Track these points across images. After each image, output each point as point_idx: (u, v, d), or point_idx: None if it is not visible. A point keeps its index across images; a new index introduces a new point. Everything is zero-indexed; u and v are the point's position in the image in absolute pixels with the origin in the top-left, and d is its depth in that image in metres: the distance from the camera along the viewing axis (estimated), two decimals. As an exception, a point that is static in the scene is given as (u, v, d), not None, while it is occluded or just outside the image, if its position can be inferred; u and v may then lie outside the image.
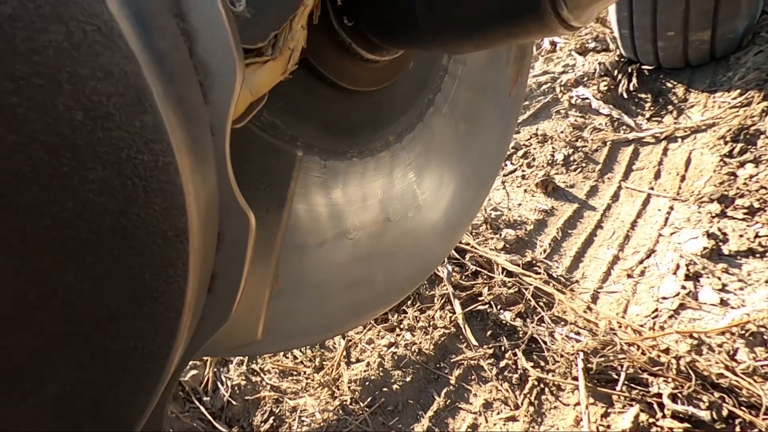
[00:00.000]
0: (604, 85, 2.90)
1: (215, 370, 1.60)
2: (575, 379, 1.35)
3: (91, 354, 0.26)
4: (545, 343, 1.48)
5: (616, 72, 3.00)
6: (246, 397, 1.54)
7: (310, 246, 0.74)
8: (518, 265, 1.74)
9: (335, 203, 0.76)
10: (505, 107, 1.11)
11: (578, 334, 1.49)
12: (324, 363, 1.62)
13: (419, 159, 0.90)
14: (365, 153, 0.79)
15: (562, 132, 2.71)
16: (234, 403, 1.51)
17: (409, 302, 1.79)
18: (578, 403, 1.30)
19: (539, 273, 1.73)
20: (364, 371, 1.52)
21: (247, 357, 1.63)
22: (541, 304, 1.62)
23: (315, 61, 0.64)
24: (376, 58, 0.68)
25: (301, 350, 1.68)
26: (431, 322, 1.66)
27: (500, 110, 1.09)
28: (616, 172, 2.40)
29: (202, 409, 1.50)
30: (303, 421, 1.44)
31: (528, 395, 1.37)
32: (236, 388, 1.55)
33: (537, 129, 2.82)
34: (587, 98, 2.81)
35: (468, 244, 1.90)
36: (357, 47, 0.65)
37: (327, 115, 0.71)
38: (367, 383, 1.49)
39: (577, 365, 1.36)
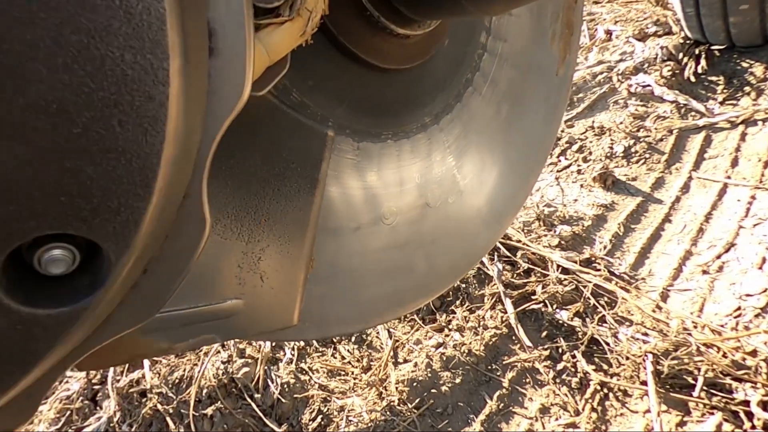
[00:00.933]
0: (668, 71, 2.69)
1: (266, 368, 1.63)
2: (644, 383, 1.23)
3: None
4: (608, 344, 1.36)
5: (681, 55, 2.77)
6: (295, 396, 1.55)
7: (344, 230, 0.72)
8: (575, 262, 1.63)
9: (370, 186, 0.74)
10: (552, 87, 1.04)
11: (646, 334, 1.35)
12: (371, 363, 1.60)
13: (459, 142, 0.86)
14: (400, 135, 0.77)
15: (621, 123, 2.53)
16: (283, 400, 1.52)
17: (458, 302, 1.73)
18: (648, 410, 1.17)
19: (599, 270, 1.61)
20: (412, 372, 1.48)
21: (296, 355, 1.65)
22: (602, 302, 1.50)
23: (344, 38, 0.63)
24: (408, 32, 0.65)
25: (348, 350, 1.67)
26: (481, 323, 1.59)
27: (546, 90, 1.02)
28: (684, 161, 2.20)
29: (254, 406, 1.53)
30: (351, 420, 1.42)
31: (590, 400, 1.26)
32: (285, 386, 1.56)
33: (593, 121, 2.66)
34: (649, 85, 2.61)
35: (519, 241, 1.81)
36: (386, 21, 0.63)
37: (359, 95, 0.69)
38: (415, 384, 1.45)
39: (645, 368, 1.23)
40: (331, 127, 0.65)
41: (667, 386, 1.21)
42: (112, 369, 1.94)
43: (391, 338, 1.63)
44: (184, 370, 1.92)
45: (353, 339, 1.73)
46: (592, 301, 1.49)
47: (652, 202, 2.02)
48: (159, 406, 1.54)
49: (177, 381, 1.66)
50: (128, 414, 1.56)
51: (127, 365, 1.96)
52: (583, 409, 1.24)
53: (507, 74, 0.92)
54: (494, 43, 0.88)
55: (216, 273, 0.56)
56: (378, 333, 1.72)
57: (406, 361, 1.55)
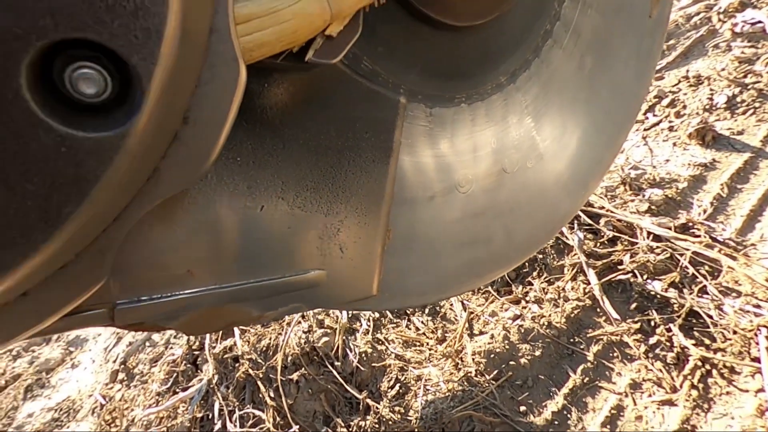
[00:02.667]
0: (785, 2, 2.29)
1: (344, 338, 1.70)
2: (755, 360, 1.10)
3: None
4: (710, 317, 1.23)
5: (802, -18, 2.34)
6: (373, 364, 1.61)
7: (419, 200, 0.71)
8: (669, 229, 1.48)
9: (444, 154, 0.71)
10: (645, 32, 0.92)
11: (758, 306, 1.20)
12: (446, 335, 1.60)
13: (537, 101, 0.80)
14: (474, 97, 0.73)
15: (723, 69, 2.22)
16: (362, 369, 1.59)
17: (535, 273, 1.66)
18: (762, 389, 1.05)
19: (699, 236, 1.45)
20: (489, 344, 1.46)
21: (371, 326, 1.70)
22: (703, 272, 1.35)
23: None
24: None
25: (422, 322, 1.68)
26: (561, 294, 1.52)
27: (638, 36, 0.91)
28: (806, 108, 1.88)
29: (335, 373, 1.60)
30: (428, 389, 1.44)
31: (689, 377, 1.16)
32: (363, 355, 1.62)
33: (687, 71, 2.36)
34: (760, 22, 2.25)
35: (602, 207, 1.68)
36: None
37: (430, 58, 0.66)
38: (492, 356, 1.43)
39: (758, 344, 1.10)
40: (403, 94, 0.63)
41: (786, 364, 1.07)
42: (208, 337, 2.14)
43: (465, 310, 1.61)
44: (270, 339, 2.07)
45: (426, 311, 1.74)
46: (691, 270, 1.35)
47: (763, 157, 1.76)
48: (250, 371, 1.67)
49: (264, 348, 1.79)
50: (224, 377, 1.72)
51: (220, 333, 2.15)
52: (681, 386, 1.15)
53: (591, 21, 0.83)
54: (576, -13, 0.79)
55: (299, 244, 0.57)
56: (452, 305, 1.71)
57: (481, 333, 1.53)
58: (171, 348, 2.27)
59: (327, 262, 0.61)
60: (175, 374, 1.85)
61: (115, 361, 1.98)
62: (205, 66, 0.33)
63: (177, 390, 1.79)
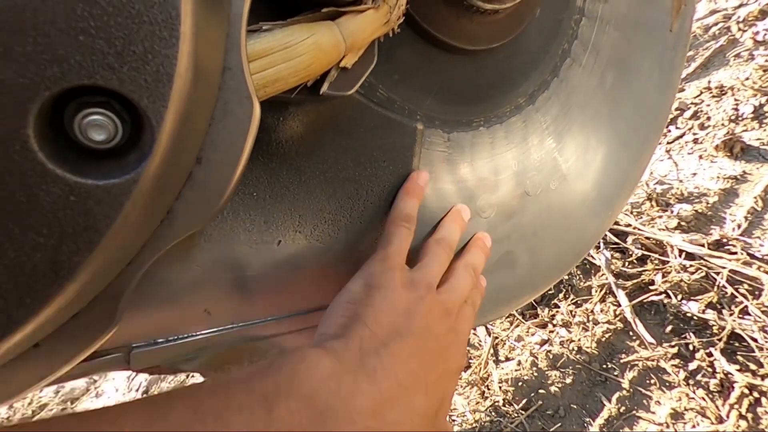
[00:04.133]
0: (808, 8, 2.23)
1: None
2: (810, 387, 1.02)
3: None
4: (755, 340, 1.15)
5: (825, -13, 2.29)
6: (395, 393, 1.56)
7: (440, 227, 0.69)
8: (702, 246, 1.41)
9: (464, 179, 0.69)
10: (666, 46, 0.90)
11: (807, 328, 1.12)
12: (471, 362, 1.55)
13: (558, 121, 0.78)
14: (493, 120, 0.71)
15: (747, 79, 2.16)
16: (385, 398, 1.54)
17: (561, 295, 1.60)
18: (819, 420, 0.97)
19: (735, 253, 1.38)
20: (516, 371, 1.40)
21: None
22: (743, 291, 1.28)
23: (428, 24, 0.59)
24: (496, 7, 0.60)
25: (445, 347, 1.63)
26: (590, 317, 1.45)
27: (660, 49, 0.89)
28: (841, 115, 1.80)
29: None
30: (454, 420, 1.38)
31: (736, 406, 1.08)
32: (385, 383, 1.58)
33: (709, 81, 2.30)
34: (782, 29, 2.19)
35: (629, 225, 1.62)
36: None
37: (447, 83, 0.65)
38: (520, 384, 1.37)
39: (810, 369, 1.02)
40: (420, 120, 0.62)
41: None
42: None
43: (489, 335, 1.56)
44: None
45: (449, 336, 1.69)
46: (729, 289, 1.28)
47: (798, 168, 1.69)
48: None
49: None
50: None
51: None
52: (728, 416, 1.07)
53: (610, 38, 0.81)
54: (593, 5, 0.78)
55: (318, 278, 0.56)
56: (475, 330, 1.66)
57: (508, 359, 1.47)
58: (192, 377, 2.26)
59: (347, 296, 0.59)
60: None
61: (138, 390, 1.98)
62: (218, 104, 0.32)
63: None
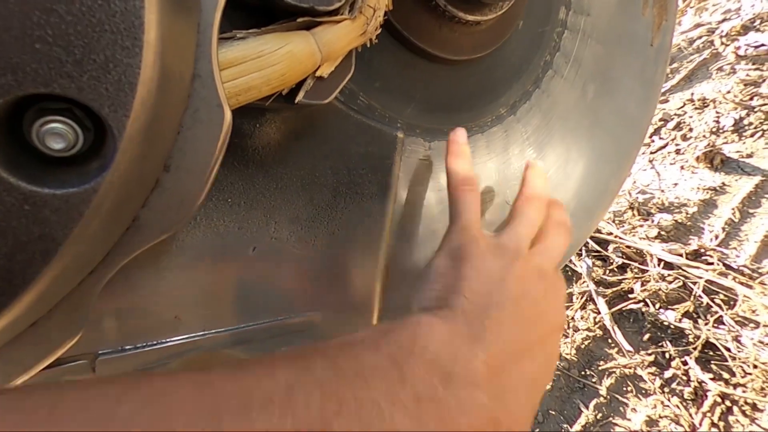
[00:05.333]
0: (788, 25, 2.29)
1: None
2: (779, 397, 1.04)
3: None
4: (728, 349, 1.18)
5: (804, 5, 2.35)
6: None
7: (421, 236, 0.69)
8: (681, 255, 1.44)
9: (444, 188, 0.70)
10: (647, 60, 0.91)
11: (778, 339, 1.15)
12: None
13: (539, 132, 0.79)
14: (474, 130, 0.71)
15: (728, 92, 2.21)
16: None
17: (543, 302, 1.62)
18: (787, 430, 0.99)
19: (711, 264, 1.40)
20: (496, 376, 1.41)
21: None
22: (718, 301, 1.30)
23: (409, 33, 0.59)
24: (478, 18, 0.60)
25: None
26: (571, 324, 1.47)
27: (641, 63, 0.90)
28: (817, 130, 1.85)
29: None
30: (434, 425, 1.39)
31: (708, 414, 1.10)
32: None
33: (692, 94, 2.35)
34: (763, 45, 2.25)
35: (610, 233, 1.64)
36: (454, 9, 0.58)
37: (428, 91, 0.65)
38: (500, 389, 1.38)
39: (780, 379, 1.05)
40: (400, 128, 0.62)
41: (812, 401, 1.01)
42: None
43: (471, 340, 1.57)
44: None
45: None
46: (705, 299, 1.30)
47: (775, 181, 1.73)
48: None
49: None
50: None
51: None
52: (700, 424, 1.09)
53: (592, 51, 0.82)
54: (576, 18, 0.79)
55: (293, 286, 0.55)
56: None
57: (489, 364, 1.48)
58: None
59: (323, 302, 0.58)
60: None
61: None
62: (188, 112, 0.32)
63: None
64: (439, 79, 0.65)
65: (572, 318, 1.49)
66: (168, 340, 0.47)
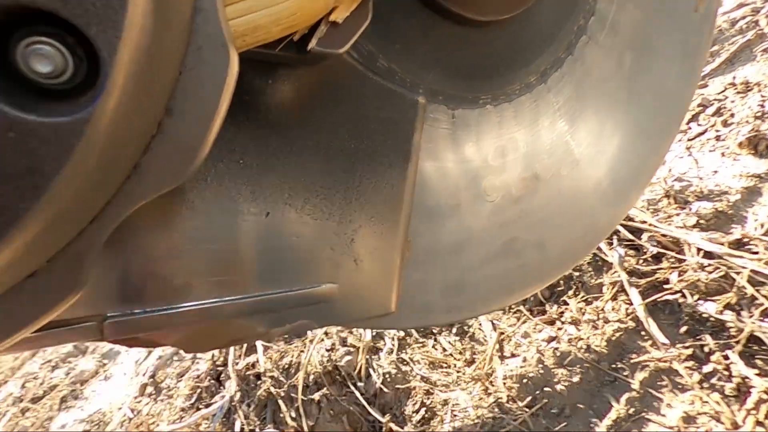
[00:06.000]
0: (844, 1, 2.12)
1: (367, 357, 1.64)
2: (834, 395, 0.96)
3: None
4: (775, 344, 1.09)
5: None
6: (397, 386, 1.53)
7: (442, 209, 0.65)
8: (722, 244, 1.35)
9: (469, 159, 0.66)
10: (690, 28, 0.85)
11: (832, 333, 1.06)
12: (474, 357, 1.51)
13: (571, 103, 0.74)
14: (501, 98, 0.67)
15: (775, 74, 2.06)
16: (386, 390, 1.51)
17: (571, 292, 1.55)
18: (843, 430, 0.91)
19: (756, 253, 1.31)
20: (521, 367, 1.36)
21: (396, 345, 1.63)
22: (764, 292, 1.21)
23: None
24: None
25: (449, 342, 1.60)
26: (601, 315, 1.40)
27: (683, 32, 0.83)
28: None
29: (357, 394, 1.54)
30: (455, 415, 1.35)
31: (753, 412, 1.03)
32: (387, 375, 1.55)
33: (734, 77, 2.21)
34: (815, 23, 2.09)
35: (644, 221, 1.56)
36: None
37: (453, 55, 0.61)
38: (525, 381, 1.33)
39: (835, 376, 0.97)
40: (422, 94, 0.59)
41: None
42: (231, 352, 2.13)
43: (495, 330, 1.52)
44: (293, 356, 2.03)
45: (454, 330, 1.65)
46: (749, 290, 1.22)
47: (827, 167, 1.61)
48: (272, 389, 1.63)
49: (287, 366, 1.75)
50: (246, 394, 1.68)
51: (243, 349, 2.13)
52: (744, 422, 1.02)
53: (630, 16, 0.76)
54: (612, -20, 0.73)
55: (309, 255, 0.53)
56: (481, 324, 1.62)
57: (513, 355, 1.43)
58: (197, 363, 2.27)
59: (340, 275, 0.56)
60: (199, 390, 1.83)
61: (144, 375, 1.99)
62: (190, 50, 0.29)
63: (200, 406, 1.77)
64: (465, 42, 0.62)
65: (602, 309, 1.43)
66: (179, 306, 0.45)
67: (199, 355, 2.22)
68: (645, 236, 1.51)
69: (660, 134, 0.86)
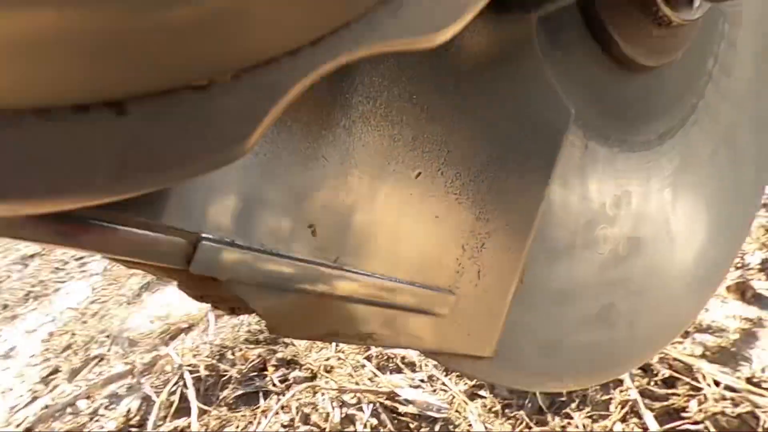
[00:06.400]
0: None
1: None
2: None
3: None
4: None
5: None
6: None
7: (558, 246, 0.56)
8: (740, 379, 1.29)
9: (590, 198, 0.59)
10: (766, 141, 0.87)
11: None
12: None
13: (677, 175, 0.70)
14: (625, 146, 0.62)
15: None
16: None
17: (573, 405, 1.41)
18: None
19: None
20: (522, 483, 1.16)
21: (373, 432, 1.39)
22: None
23: (612, 27, 0.53)
24: (681, 20, 0.54)
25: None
26: (610, 436, 1.26)
27: (758, 145, 0.86)
28: None
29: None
30: None
31: None
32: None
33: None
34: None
35: (654, 341, 1.50)
36: (666, 6, 0.52)
37: (601, 90, 0.57)
38: (526, 501, 1.12)
39: None
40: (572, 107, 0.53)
41: None
42: (153, 413, 1.76)
43: (490, 434, 1.33)
44: (238, 426, 1.70)
45: (437, 428, 1.45)
46: (776, 433, 1.14)
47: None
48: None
49: (231, 437, 1.45)
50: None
51: (173, 407, 1.78)
52: None
53: (728, 114, 0.78)
54: (718, 75, 0.75)
55: (439, 248, 0.41)
56: (471, 425, 1.42)
57: (511, 467, 1.24)
58: (97, 420, 1.90)
59: (461, 285, 0.43)
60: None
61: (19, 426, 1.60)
62: None
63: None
64: (614, 81, 0.58)
65: (611, 430, 1.29)
66: (288, 253, 0.31)
67: (101, 410, 1.82)
68: (655, 357, 1.44)
69: (735, 237, 0.84)
